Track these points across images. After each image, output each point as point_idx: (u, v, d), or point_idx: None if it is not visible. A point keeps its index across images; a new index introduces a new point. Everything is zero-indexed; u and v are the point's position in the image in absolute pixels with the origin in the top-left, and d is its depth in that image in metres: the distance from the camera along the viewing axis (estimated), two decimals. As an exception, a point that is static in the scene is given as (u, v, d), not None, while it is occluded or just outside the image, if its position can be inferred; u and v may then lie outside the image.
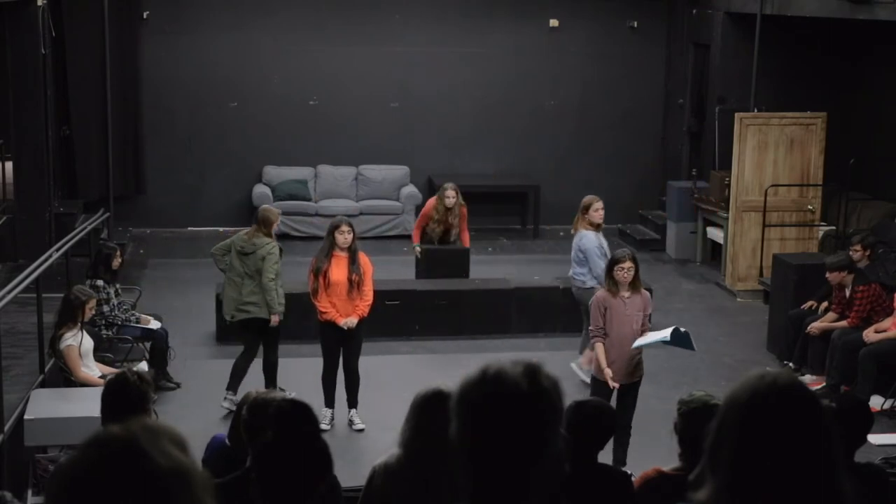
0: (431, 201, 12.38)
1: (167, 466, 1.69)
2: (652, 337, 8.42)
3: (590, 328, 8.56)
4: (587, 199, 10.56)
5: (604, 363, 8.34)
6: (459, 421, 2.11)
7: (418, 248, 12.33)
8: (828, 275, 10.56)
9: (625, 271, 8.28)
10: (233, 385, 9.72)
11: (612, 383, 8.27)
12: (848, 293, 10.53)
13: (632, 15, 16.83)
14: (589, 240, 10.30)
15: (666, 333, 8.35)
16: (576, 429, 4.87)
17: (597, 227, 10.41)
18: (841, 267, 10.48)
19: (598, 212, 10.37)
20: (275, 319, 9.71)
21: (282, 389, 9.69)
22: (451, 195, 12.10)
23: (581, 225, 10.44)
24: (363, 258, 9.41)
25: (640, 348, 8.42)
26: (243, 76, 16.19)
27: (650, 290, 12.05)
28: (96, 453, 1.71)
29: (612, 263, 8.39)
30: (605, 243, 10.47)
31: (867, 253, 10.87)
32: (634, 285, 8.38)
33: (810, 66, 15.06)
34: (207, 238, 15.96)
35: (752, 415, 2.05)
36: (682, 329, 8.68)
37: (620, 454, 8.36)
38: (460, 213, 12.30)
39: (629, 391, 8.48)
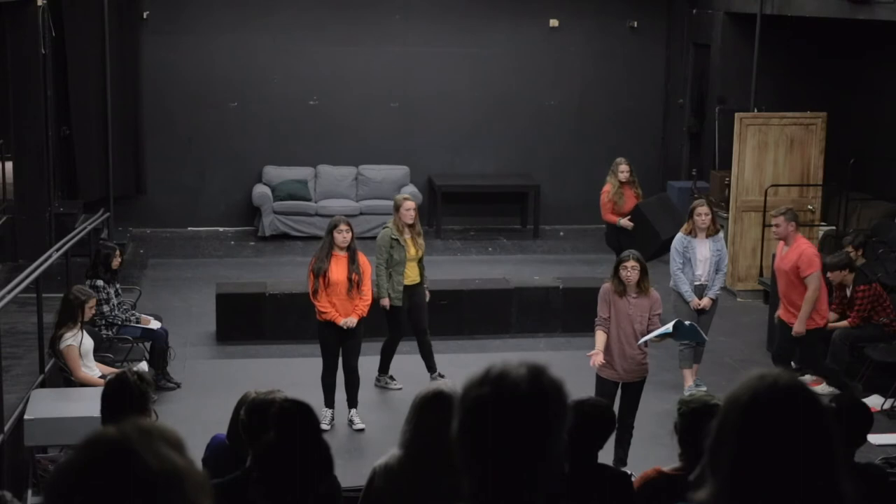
0: (606, 187, 12.41)
1: (159, 468, 1.69)
2: (655, 331, 8.48)
3: (596, 318, 8.57)
4: (693, 203, 10.52)
5: (597, 346, 8.42)
6: (460, 420, 2.11)
7: (624, 221, 12.26)
8: (828, 274, 10.53)
9: (628, 271, 8.30)
10: (383, 367, 10.28)
11: (593, 362, 8.38)
12: (849, 292, 10.52)
13: (632, 15, 16.82)
14: (674, 240, 10.32)
15: (668, 326, 8.42)
16: (575, 428, 4.86)
17: (705, 232, 10.15)
18: (841, 266, 10.45)
19: (700, 216, 10.12)
20: (382, 302, 10.02)
21: (441, 375, 10.01)
22: (624, 169, 12.34)
23: (685, 227, 10.30)
24: (362, 258, 9.41)
25: (644, 350, 8.46)
26: (243, 76, 16.18)
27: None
28: (89, 455, 1.71)
29: (618, 263, 8.43)
30: (698, 249, 10.14)
31: (860, 252, 10.86)
32: (642, 286, 8.37)
33: (810, 66, 15.06)
34: (207, 238, 15.99)
35: (753, 415, 2.05)
36: (687, 322, 8.74)
37: (622, 453, 8.36)
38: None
39: (632, 390, 8.49)
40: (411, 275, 10.16)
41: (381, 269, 10.02)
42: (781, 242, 9.97)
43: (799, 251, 9.72)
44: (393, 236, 10.01)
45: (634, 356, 8.42)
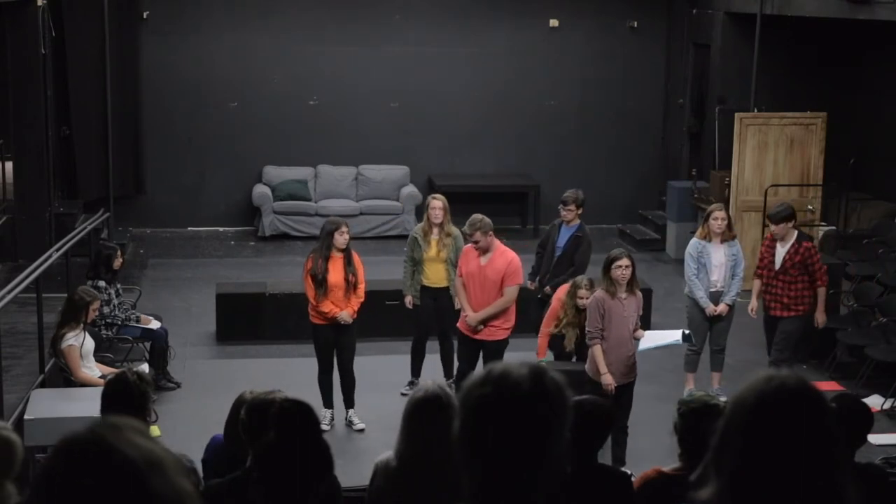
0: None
1: (138, 456, 1.70)
2: (660, 340, 8.37)
3: (587, 329, 8.39)
4: (710, 206, 10.22)
5: (602, 367, 8.26)
6: (462, 420, 2.11)
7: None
8: (773, 227, 9.82)
9: (622, 269, 8.18)
10: (414, 371, 10.20)
11: (608, 387, 8.17)
12: (786, 250, 9.80)
13: (632, 15, 16.83)
14: (689, 245, 10.06)
15: (677, 336, 8.34)
16: (575, 428, 4.86)
17: (720, 237, 9.84)
18: (789, 216, 9.77)
19: (716, 220, 9.81)
20: (405, 300, 10.09)
21: (454, 383, 9.75)
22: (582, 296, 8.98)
23: (699, 232, 10.03)
24: (356, 257, 9.43)
25: (632, 348, 8.38)
26: (243, 76, 16.18)
27: (650, 291, 12.09)
28: (69, 457, 1.72)
29: (610, 262, 8.28)
30: (713, 254, 9.83)
31: (579, 211, 10.39)
32: (631, 286, 8.29)
33: (810, 66, 15.06)
34: (207, 238, 15.99)
35: (759, 417, 2.04)
36: (686, 331, 8.77)
37: (619, 454, 8.34)
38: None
39: (624, 392, 8.39)
40: (434, 276, 10.03)
41: (405, 266, 10.11)
42: (476, 252, 9.37)
43: (506, 259, 9.34)
44: (415, 235, 10.05)
45: (628, 358, 8.35)
